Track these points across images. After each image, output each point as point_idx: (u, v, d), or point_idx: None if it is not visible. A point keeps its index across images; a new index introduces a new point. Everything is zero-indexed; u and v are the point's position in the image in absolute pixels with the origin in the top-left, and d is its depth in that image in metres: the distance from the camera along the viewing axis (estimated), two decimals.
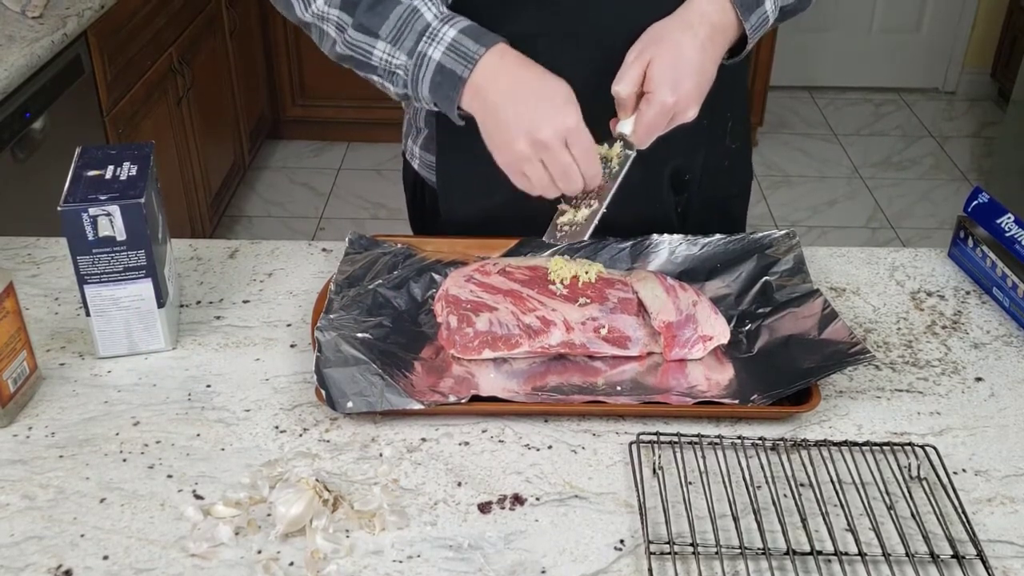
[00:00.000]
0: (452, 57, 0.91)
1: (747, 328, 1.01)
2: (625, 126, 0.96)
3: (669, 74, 0.92)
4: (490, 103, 0.91)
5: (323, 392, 0.88)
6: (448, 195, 1.16)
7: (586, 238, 0.95)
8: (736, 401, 0.91)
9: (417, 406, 0.88)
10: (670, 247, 1.11)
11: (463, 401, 0.90)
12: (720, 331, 0.98)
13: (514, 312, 0.98)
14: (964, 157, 3.71)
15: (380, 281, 1.05)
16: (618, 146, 0.97)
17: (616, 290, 1.01)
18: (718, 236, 1.12)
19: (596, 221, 0.95)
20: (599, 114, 1.08)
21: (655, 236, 1.12)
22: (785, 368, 0.94)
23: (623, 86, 0.93)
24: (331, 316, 0.98)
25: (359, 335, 0.96)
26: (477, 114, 0.93)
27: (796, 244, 1.10)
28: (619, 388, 0.94)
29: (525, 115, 0.90)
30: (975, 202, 1.13)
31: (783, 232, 1.12)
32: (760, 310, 1.02)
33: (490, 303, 0.99)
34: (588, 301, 1.00)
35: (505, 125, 0.90)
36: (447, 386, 0.93)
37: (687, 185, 1.18)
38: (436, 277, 1.07)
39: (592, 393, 0.93)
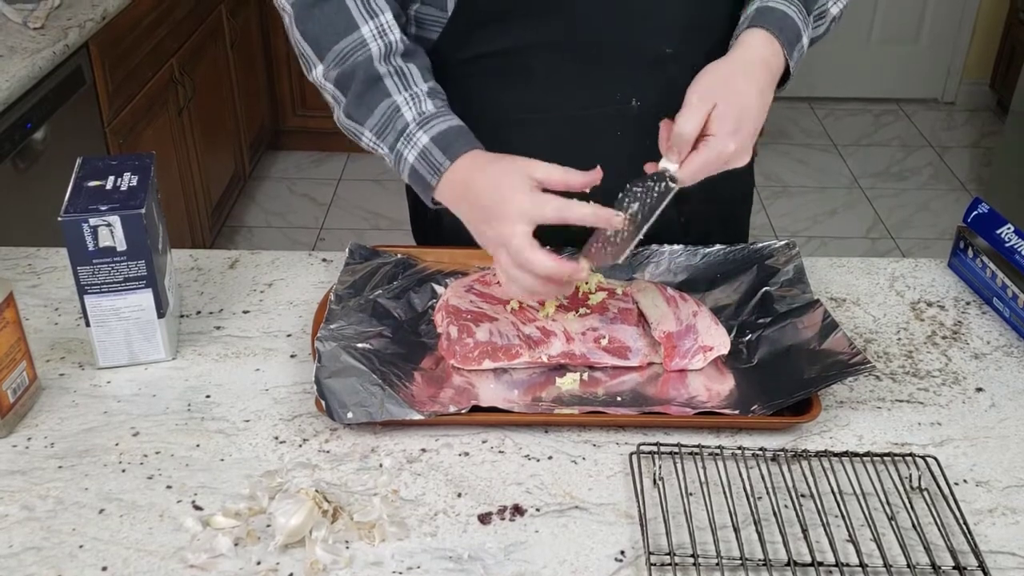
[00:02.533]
0: (423, 164, 0.96)
1: (747, 338, 1.01)
2: (671, 163, 0.94)
3: (732, 123, 0.93)
4: (458, 211, 0.96)
5: (323, 403, 0.88)
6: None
7: (620, 261, 0.92)
8: (736, 411, 0.91)
9: (417, 416, 0.88)
10: (670, 257, 1.11)
11: (463, 412, 0.90)
12: (720, 342, 0.98)
13: (514, 323, 0.98)
14: (963, 167, 3.72)
15: (380, 291, 1.05)
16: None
17: (616, 300, 1.01)
18: (718, 246, 1.12)
19: (631, 248, 0.93)
20: (597, 126, 1.08)
21: (655, 246, 1.12)
22: (786, 378, 0.93)
23: (689, 128, 0.93)
24: (331, 326, 0.98)
25: (359, 345, 0.96)
26: (458, 213, 0.96)
27: (796, 254, 1.10)
28: (619, 399, 0.94)
29: (483, 235, 0.93)
30: (975, 212, 1.13)
31: (783, 242, 1.12)
32: (760, 320, 1.02)
33: (490, 313, 0.99)
34: (588, 311, 1.00)
35: (477, 233, 0.94)
36: (447, 396, 0.92)
37: (688, 197, 1.19)
38: (436, 287, 1.07)
39: (592, 404, 0.93)
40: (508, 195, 0.90)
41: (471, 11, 1.03)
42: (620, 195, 0.93)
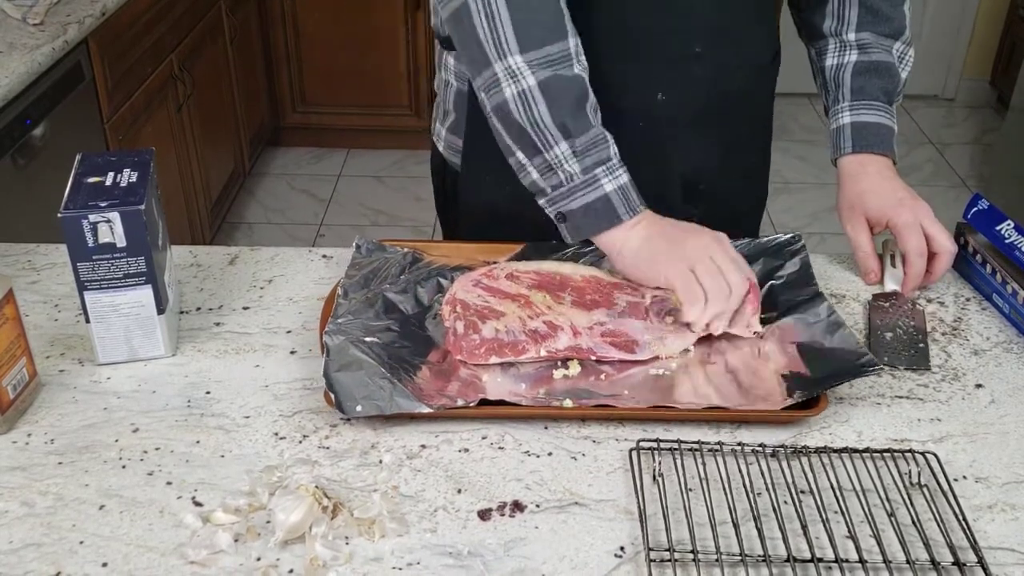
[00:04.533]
0: (619, 197, 0.99)
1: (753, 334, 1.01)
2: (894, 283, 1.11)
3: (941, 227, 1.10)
4: (637, 243, 1.00)
5: (332, 396, 0.88)
6: (471, 179, 1.19)
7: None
8: (743, 404, 0.91)
9: (426, 409, 0.88)
10: None
11: (471, 405, 0.90)
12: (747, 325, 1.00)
13: (521, 318, 0.98)
14: (963, 164, 3.72)
15: (387, 285, 1.05)
16: None
17: (624, 294, 1.01)
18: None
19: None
20: (624, 116, 1.11)
21: None
22: (794, 376, 0.94)
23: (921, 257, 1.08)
24: (339, 320, 0.98)
25: (367, 339, 0.96)
26: (619, 248, 1.00)
27: (801, 247, 1.10)
28: (626, 392, 0.94)
29: (671, 251, 0.99)
30: (975, 209, 1.13)
31: (788, 235, 1.12)
32: (766, 315, 1.03)
33: (497, 308, 0.99)
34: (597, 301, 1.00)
35: (658, 255, 0.99)
36: (455, 390, 0.93)
37: (702, 195, 1.20)
38: (443, 282, 1.07)
39: (597, 397, 0.93)
40: (704, 230, 1.01)
41: None
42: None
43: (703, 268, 0.97)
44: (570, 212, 1.00)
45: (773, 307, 1.03)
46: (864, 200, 1.10)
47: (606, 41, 1.09)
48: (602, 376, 0.96)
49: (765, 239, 1.12)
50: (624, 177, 0.99)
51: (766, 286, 1.06)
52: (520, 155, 1.00)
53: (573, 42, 0.99)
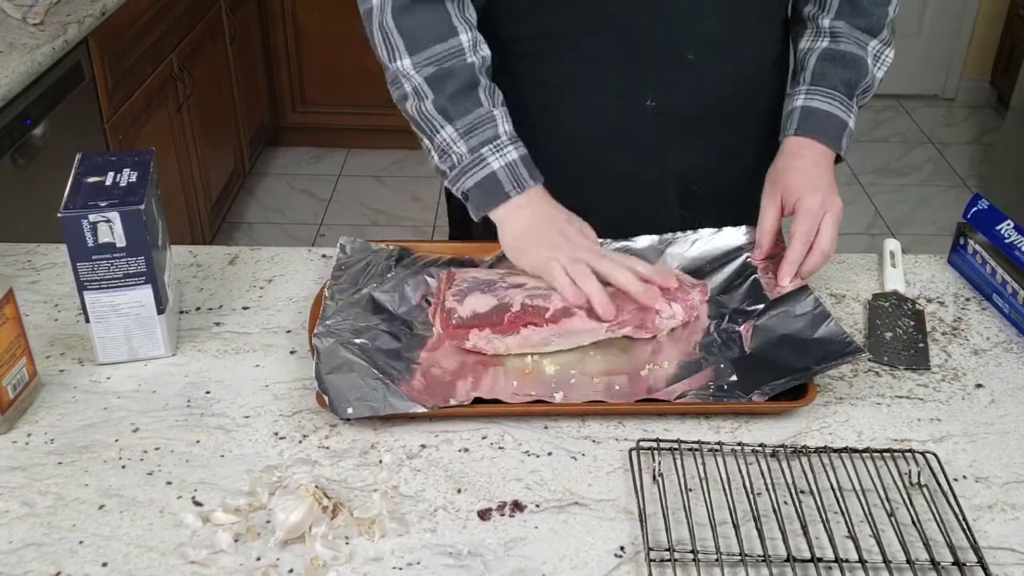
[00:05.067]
0: (507, 174, 1.02)
1: (740, 327, 1.01)
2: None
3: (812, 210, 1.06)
4: (532, 212, 1.03)
5: (325, 398, 0.88)
6: None
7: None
8: (733, 398, 0.91)
9: (420, 409, 0.88)
10: (660, 246, 1.11)
11: (466, 404, 0.90)
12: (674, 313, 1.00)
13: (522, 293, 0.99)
14: (963, 163, 3.71)
15: (374, 285, 1.05)
16: None
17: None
18: (708, 231, 1.11)
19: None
20: (612, 119, 1.12)
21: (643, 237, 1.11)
22: (781, 367, 0.94)
23: (769, 226, 1.08)
24: (328, 322, 0.98)
25: (357, 340, 0.96)
26: (507, 226, 1.03)
27: (783, 241, 1.10)
28: (617, 387, 0.94)
29: (548, 247, 1.00)
30: (974, 208, 1.13)
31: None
32: (751, 308, 1.03)
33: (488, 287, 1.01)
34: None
35: (534, 247, 1.01)
36: (448, 389, 0.93)
37: (697, 198, 1.19)
38: (429, 279, 1.07)
39: (590, 388, 0.93)
40: (579, 221, 1.03)
41: None
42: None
43: (566, 259, 0.98)
44: (468, 191, 1.04)
45: (758, 301, 1.03)
46: (786, 176, 1.08)
47: (592, 44, 1.10)
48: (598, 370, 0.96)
49: (747, 230, 1.12)
50: (513, 154, 1.03)
51: (750, 279, 1.06)
52: (424, 142, 1.07)
53: (465, 37, 1.04)
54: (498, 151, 1.02)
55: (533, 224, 1.02)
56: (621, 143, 1.15)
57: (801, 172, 1.08)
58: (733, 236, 1.11)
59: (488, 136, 1.02)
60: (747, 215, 1.11)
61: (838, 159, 1.12)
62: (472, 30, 1.05)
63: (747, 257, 1.08)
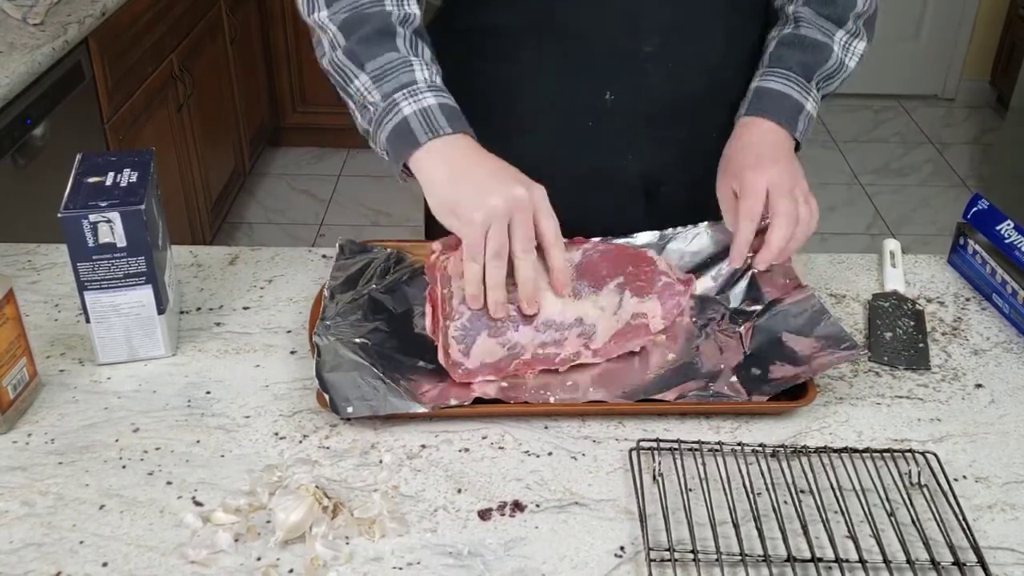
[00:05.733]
0: (419, 120, 0.92)
1: (740, 328, 1.01)
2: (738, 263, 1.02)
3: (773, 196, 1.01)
4: (452, 166, 0.91)
5: (325, 397, 0.88)
6: None
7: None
8: (735, 396, 0.92)
9: (420, 409, 0.88)
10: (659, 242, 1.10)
11: (466, 404, 0.90)
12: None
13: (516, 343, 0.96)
14: (963, 164, 3.72)
15: (373, 285, 1.05)
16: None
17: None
18: (703, 227, 1.11)
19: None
20: (570, 115, 1.09)
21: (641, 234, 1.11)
22: (782, 366, 0.94)
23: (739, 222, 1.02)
24: (327, 322, 0.98)
25: (356, 340, 0.96)
26: (426, 179, 0.92)
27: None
28: (622, 388, 0.94)
29: (499, 173, 0.90)
30: (974, 208, 1.13)
31: (766, 223, 1.11)
32: (751, 308, 1.03)
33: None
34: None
35: (470, 179, 0.90)
36: (448, 389, 0.93)
37: (664, 198, 1.18)
38: (428, 279, 1.07)
39: (595, 389, 0.93)
40: (513, 170, 0.91)
41: None
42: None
43: (496, 226, 0.87)
44: (385, 146, 0.95)
45: (757, 300, 1.03)
46: (728, 159, 1.05)
47: (542, 38, 1.08)
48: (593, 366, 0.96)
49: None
50: (430, 100, 0.92)
51: (747, 275, 1.06)
52: (348, 102, 1.00)
53: None
54: (412, 96, 0.93)
55: (457, 170, 0.91)
56: (582, 139, 1.13)
57: (745, 147, 1.04)
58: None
59: (404, 81, 0.93)
60: (716, 214, 1.10)
61: (798, 148, 1.09)
62: None
63: (748, 258, 1.07)
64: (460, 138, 0.92)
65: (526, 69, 1.10)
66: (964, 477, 0.86)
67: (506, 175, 0.90)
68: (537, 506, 0.82)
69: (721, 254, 1.09)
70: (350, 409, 0.88)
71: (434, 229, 1.28)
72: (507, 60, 1.11)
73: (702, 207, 1.12)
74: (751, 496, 0.82)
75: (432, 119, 0.92)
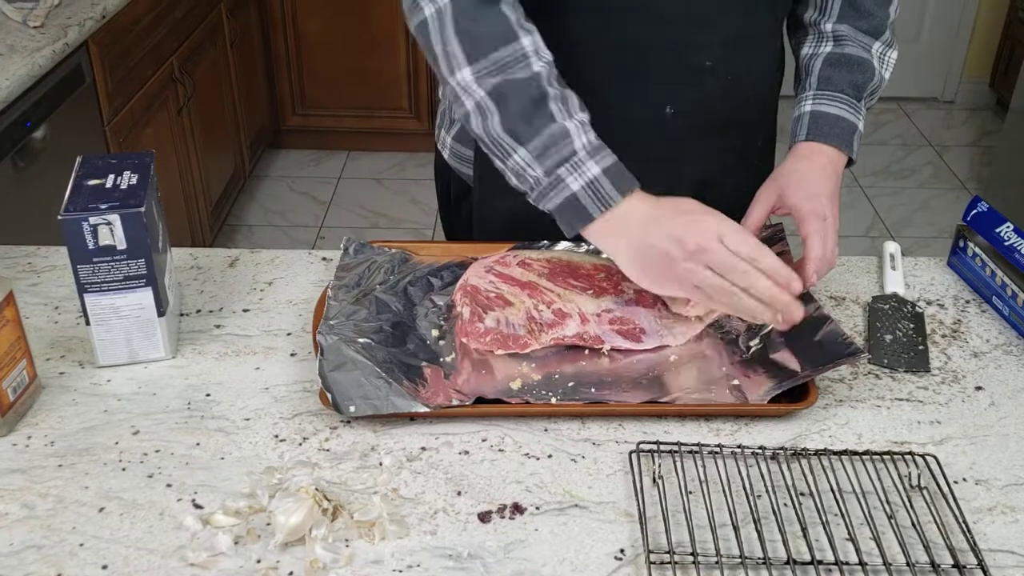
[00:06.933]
0: (588, 194, 0.93)
1: (742, 332, 1.01)
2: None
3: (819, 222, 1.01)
4: (631, 238, 0.93)
5: (328, 396, 0.88)
6: (485, 187, 1.19)
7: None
8: (736, 400, 0.92)
9: (423, 409, 0.88)
10: None
11: (468, 404, 0.90)
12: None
13: (528, 308, 1.00)
14: (963, 166, 3.72)
15: (377, 285, 1.05)
16: None
17: (632, 283, 1.01)
18: None
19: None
20: (630, 128, 1.10)
21: None
22: (783, 369, 0.94)
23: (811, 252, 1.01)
24: (331, 322, 0.98)
25: (360, 340, 0.96)
26: (611, 248, 0.95)
27: (781, 239, 1.10)
28: (625, 388, 0.94)
29: (672, 232, 0.91)
30: (974, 211, 1.13)
31: (770, 227, 1.12)
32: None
33: (507, 297, 1.01)
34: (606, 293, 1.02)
35: (654, 250, 0.92)
36: (451, 389, 0.93)
37: (712, 203, 1.19)
38: (433, 280, 1.08)
39: (599, 388, 0.94)
40: (694, 204, 0.93)
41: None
42: None
43: (705, 281, 0.90)
44: (552, 211, 0.97)
45: None
46: (788, 178, 1.05)
47: (609, 56, 1.09)
48: (603, 362, 0.97)
49: None
50: (593, 170, 0.94)
51: None
52: (496, 162, 0.99)
53: (527, 41, 0.96)
54: (575, 169, 0.93)
55: (640, 248, 0.93)
56: (638, 152, 1.13)
57: (803, 176, 1.07)
58: None
59: (565, 155, 0.94)
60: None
61: (849, 163, 1.11)
62: (532, 34, 0.98)
63: None
64: (632, 200, 0.94)
65: (589, 82, 1.09)
66: (964, 479, 0.86)
67: (681, 227, 0.91)
68: (537, 508, 0.82)
69: None
70: (352, 408, 0.88)
71: (444, 212, 1.30)
72: (571, 73, 1.09)
73: (743, 207, 1.13)
74: (751, 498, 0.82)
75: (600, 191, 0.93)
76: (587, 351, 0.99)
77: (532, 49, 0.96)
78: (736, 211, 1.15)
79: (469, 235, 1.27)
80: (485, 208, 1.22)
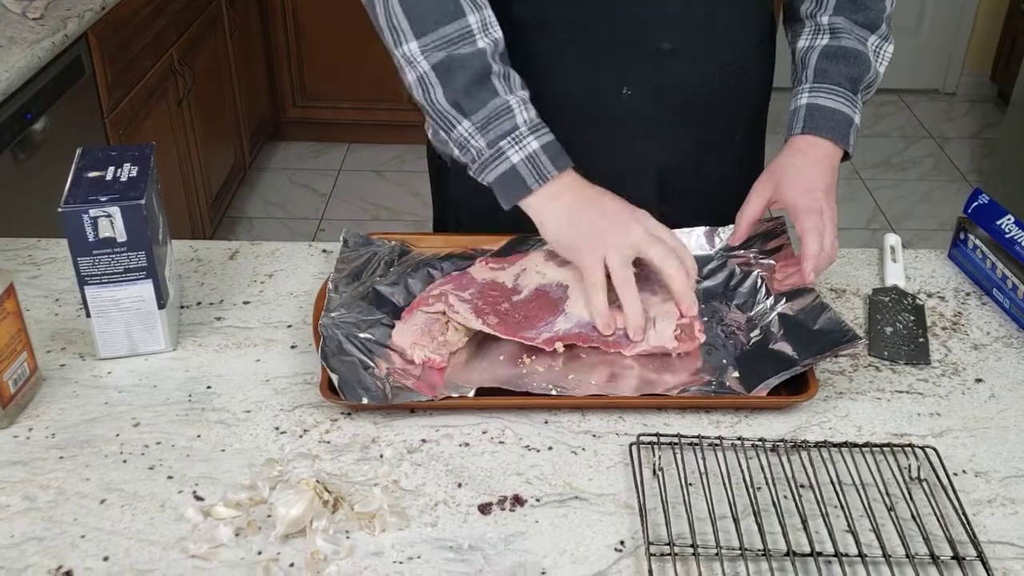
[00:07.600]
0: (527, 167, 0.98)
1: (741, 322, 1.01)
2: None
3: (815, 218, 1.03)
4: (564, 205, 0.98)
5: (331, 387, 0.89)
6: (464, 174, 1.18)
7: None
8: (736, 391, 0.92)
9: (423, 398, 0.89)
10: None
11: (469, 395, 0.90)
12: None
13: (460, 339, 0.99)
14: (964, 158, 3.71)
15: (378, 278, 1.05)
16: None
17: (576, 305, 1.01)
18: (704, 228, 1.11)
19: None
20: (587, 111, 1.10)
21: None
22: (783, 359, 0.94)
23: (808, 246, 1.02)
24: (332, 314, 0.98)
25: (361, 335, 0.97)
26: (540, 220, 1.00)
27: (783, 233, 1.10)
28: (621, 382, 0.94)
29: (593, 235, 0.96)
30: (975, 203, 1.13)
31: (771, 220, 1.12)
32: (756, 305, 1.03)
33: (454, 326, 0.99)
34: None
35: (579, 238, 0.97)
36: (451, 380, 0.93)
37: (677, 194, 1.19)
38: (432, 272, 1.07)
39: (592, 378, 0.94)
40: (621, 205, 0.98)
41: None
42: None
43: (618, 261, 0.95)
44: (491, 184, 1.00)
45: (756, 296, 1.04)
46: (784, 171, 1.07)
47: (564, 32, 1.09)
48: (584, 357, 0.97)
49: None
50: (533, 144, 0.98)
51: (753, 274, 1.06)
52: (441, 133, 1.02)
53: (474, 18, 0.98)
54: (517, 143, 0.98)
55: (571, 215, 0.98)
56: (596, 134, 1.14)
57: (800, 169, 1.07)
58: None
59: (507, 128, 0.98)
60: (729, 214, 1.10)
61: (846, 156, 1.11)
62: (484, 9, 1.00)
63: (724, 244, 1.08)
64: (565, 177, 0.99)
65: (545, 62, 1.11)
66: (964, 472, 0.86)
67: (613, 212, 0.97)
68: (537, 500, 0.82)
69: (723, 254, 1.09)
70: (365, 399, 0.88)
71: (445, 225, 1.30)
72: (528, 52, 1.11)
73: (715, 206, 1.13)
74: (751, 490, 0.82)
75: (538, 164, 0.98)
76: (585, 347, 0.98)
77: (479, 26, 0.99)
78: (710, 204, 1.15)
79: (456, 218, 1.26)
80: (467, 196, 1.21)
